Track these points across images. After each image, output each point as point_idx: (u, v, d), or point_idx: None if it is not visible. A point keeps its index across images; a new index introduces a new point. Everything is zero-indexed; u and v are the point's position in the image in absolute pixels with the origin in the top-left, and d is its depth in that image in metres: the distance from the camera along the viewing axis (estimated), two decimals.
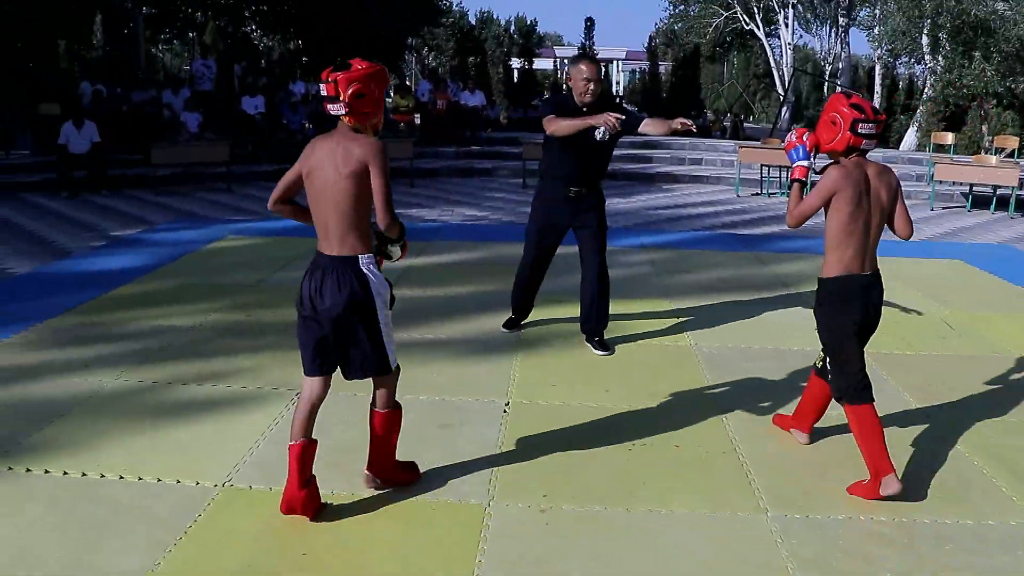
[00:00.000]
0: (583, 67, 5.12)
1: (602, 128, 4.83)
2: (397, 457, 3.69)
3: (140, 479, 3.68)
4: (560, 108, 5.13)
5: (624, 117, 4.83)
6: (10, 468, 3.74)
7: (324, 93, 3.23)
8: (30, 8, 16.89)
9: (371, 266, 3.29)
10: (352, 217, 3.24)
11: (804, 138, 3.85)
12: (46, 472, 3.72)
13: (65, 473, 3.72)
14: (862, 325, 3.74)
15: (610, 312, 5.58)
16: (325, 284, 3.27)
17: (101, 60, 23.50)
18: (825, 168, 3.69)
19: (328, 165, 3.25)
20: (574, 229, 5.43)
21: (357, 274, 3.26)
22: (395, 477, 3.67)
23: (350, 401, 4.47)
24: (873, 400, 3.71)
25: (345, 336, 3.32)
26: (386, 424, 3.54)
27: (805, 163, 3.85)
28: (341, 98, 3.20)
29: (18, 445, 3.96)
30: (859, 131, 3.57)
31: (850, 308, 3.70)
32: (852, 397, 3.70)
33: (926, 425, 4.49)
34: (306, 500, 3.35)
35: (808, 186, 3.89)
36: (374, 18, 20.47)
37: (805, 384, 4.25)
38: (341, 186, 3.22)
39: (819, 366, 3.99)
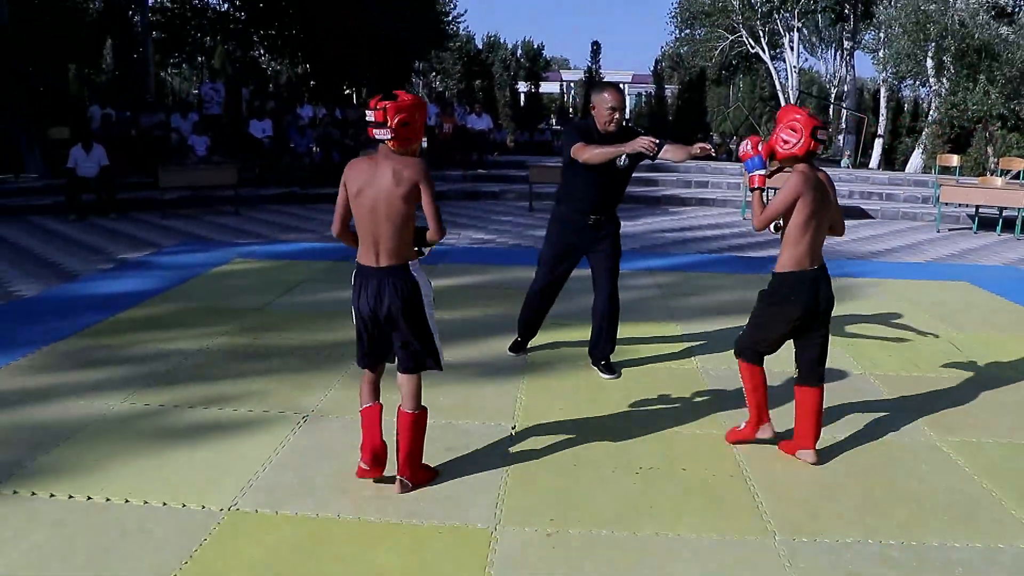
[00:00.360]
0: (607, 96, 5.06)
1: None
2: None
3: (146, 503, 3.68)
4: (586, 135, 5.06)
5: (660, 142, 4.71)
6: (15, 492, 3.74)
7: (372, 119, 3.57)
8: (42, 33, 17.07)
9: (418, 270, 3.71)
10: (403, 231, 3.63)
11: (759, 147, 4.09)
12: (51, 496, 3.72)
13: (70, 497, 3.71)
14: (804, 316, 4.12)
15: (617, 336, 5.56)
16: (383, 291, 3.64)
17: (111, 84, 23.73)
18: (774, 173, 4.08)
19: (378, 185, 3.59)
20: (588, 254, 5.40)
21: (409, 279, 3.67)
22: (423, 478, 3.90)
23: (356, 425, 4.48)
24: (763, 364, 4.30)
25: (400, 333, 3.71)
26: (417, 427, 3.81)
27: (763, 171, 4.11)
28: (388, 124, 3.54)
29: (24, 469, 3.96)
30: (818, 136, 3.92)
31: (796, 300, 4.08)
32: (751, 357, 4.27)
33: (934, 448, 4.46)
34: (384, 449, 3.82)
35: (766, 192, 4.13)
36: (382, 38, 20.60)
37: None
38: (396, 205, 3.58)
39: (798, 376, 4.27)
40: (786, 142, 3.98)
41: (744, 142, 4.17)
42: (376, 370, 3.90)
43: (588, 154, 4.91)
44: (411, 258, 3.70)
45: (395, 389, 3.88)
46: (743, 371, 4.34)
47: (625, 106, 5.10)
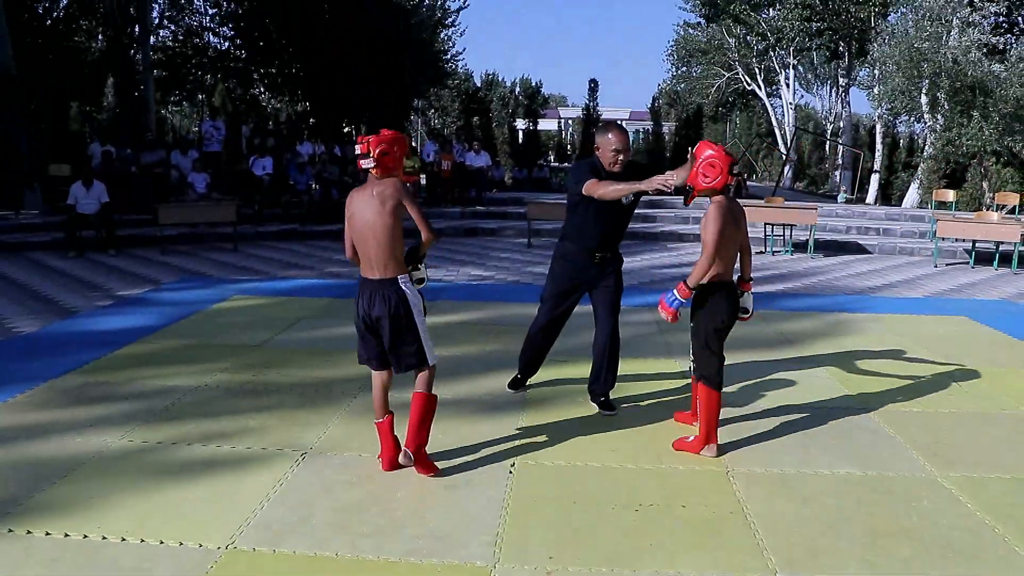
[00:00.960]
0: (612, 137, 5.06)
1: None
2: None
3: (142, 541, 3.65)
4: (595, 172, 5.07)
5: (674, 177, 4.69)
6: (10, 530, 3.71)
7: (358, 151, 4.25)
8: (46, 71, 17.22)
9: (407, 283, 4.27)
10: (390, 247, 4.20)
11: (675, 292, 4.60)
12: (47, 534, 3.69)
13: (66, 535, 3.69)
14: (727, 324, 4.66)
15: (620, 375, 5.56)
16: (374, 300, 4.23)
17: (112, 121, 23.88)
18: (689, 200, 4.58)
19: (367, 208, 4.21)
20: (591, 291, 5.40)
21: (398, 291, 4.24)
22: (421, 461, 4.39)
23: (355, 462, 4.46)
24: (722, 389, 4.73)
25: (392, 338, 4.26)
26: (425, 404, 4.37)
27: (678, 303, 4.62)
28: (372, 154, 4.21)
29: (20, 506, 3.94)
30: (733, 171, 4.48)
31: (721, 308, 4.60)
32: (713, 383, 4.66)
33: (935, 483, 4.44)
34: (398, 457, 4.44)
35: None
36: (381, 76, 20.76)
37: (815, 444, 4.22)
38: (380, 224, 4.17)
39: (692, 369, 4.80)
40: (706, 176, 4.50)
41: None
42: (381, 373, 4.41)
43: (603, 190, 4.90)
44: (402, 272, 4.26)
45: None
46: (710, 396, 4.69)
47: (629, 147, 5.11)
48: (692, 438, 4.83)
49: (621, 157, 5.05)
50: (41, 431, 4.89)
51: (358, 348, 4.45)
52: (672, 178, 4.64)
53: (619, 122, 5.70)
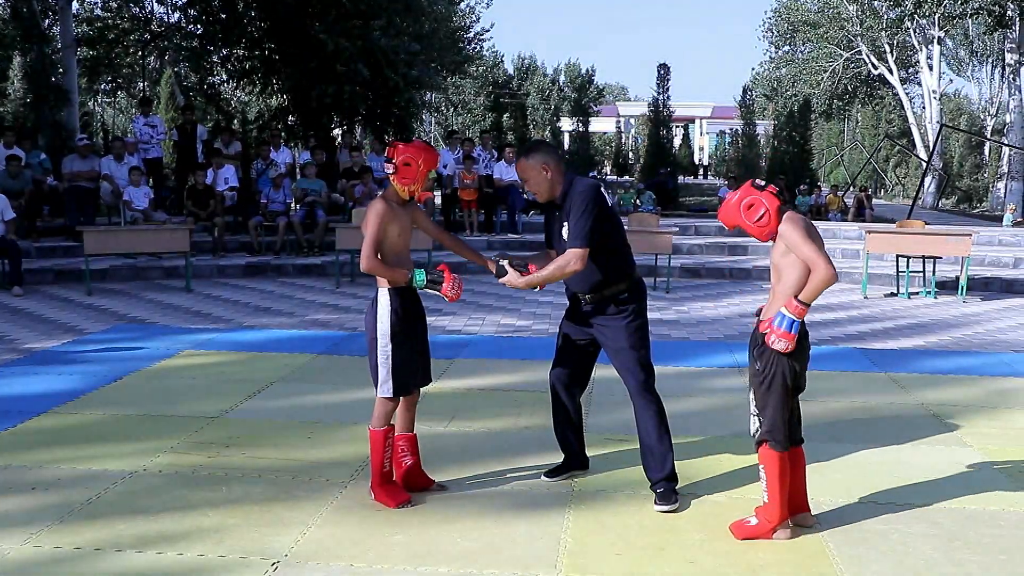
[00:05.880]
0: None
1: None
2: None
3: None
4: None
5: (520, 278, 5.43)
6: None
7: (385, 155, 5.32)
8: None
9: (384, 298, 5.29)
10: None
11: (786, 312, 4.81)
12: None
13: None
14: (806, 365, 5.08)
15: (679, 454, 5.60)
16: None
17: (19, 115, 24.12)
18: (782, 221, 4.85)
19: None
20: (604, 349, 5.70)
21: (372, 305, 5.35)
22: (375, 493, 5.42)
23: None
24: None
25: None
26: (370, 440, 5.40)
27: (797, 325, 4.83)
28: (394, 161, 5.20)
29: None
30: (783, 196, 4.93)
31: (804, 346, 4.98)
32: (783, 444, 4.97)
33: None
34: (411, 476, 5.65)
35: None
36: (379, 60, 20.93)
37: (973, 559, 4.13)
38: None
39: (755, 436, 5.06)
40: (760, 219, 4.89)
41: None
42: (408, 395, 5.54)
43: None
44: (381, 287, 5.30)
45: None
46: (782, 460, 4.99)
47: (527, 177, 5.51)
48: (754, 519, 5.06)
49: (528, 187, 5.62)
50: None
51: None
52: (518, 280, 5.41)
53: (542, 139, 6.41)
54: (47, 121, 20.45)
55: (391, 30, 21.38)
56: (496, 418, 7.13)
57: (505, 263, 5.41)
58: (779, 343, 4.79)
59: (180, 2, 24.42)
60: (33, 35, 21.58)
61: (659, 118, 36.32)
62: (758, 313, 5.10)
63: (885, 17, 35.63)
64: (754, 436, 5.05)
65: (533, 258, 5.62)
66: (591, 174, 38.58)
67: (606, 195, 5.49)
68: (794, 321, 4.76)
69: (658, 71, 36.88)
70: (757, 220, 4.88)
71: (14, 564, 4.62)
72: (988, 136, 37.37)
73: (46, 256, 14.63)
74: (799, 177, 30.76)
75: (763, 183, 5.00)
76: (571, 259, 5.27)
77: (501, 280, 5.43)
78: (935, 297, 14.17)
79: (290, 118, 24.02)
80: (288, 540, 4.91)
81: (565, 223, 5.36)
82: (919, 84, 36.74)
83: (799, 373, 4.96)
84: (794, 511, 5.16)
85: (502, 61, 54.68)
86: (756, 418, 5.02)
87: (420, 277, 5.26)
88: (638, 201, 24.66)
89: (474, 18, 38.76)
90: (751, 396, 5.06)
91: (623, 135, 62.28)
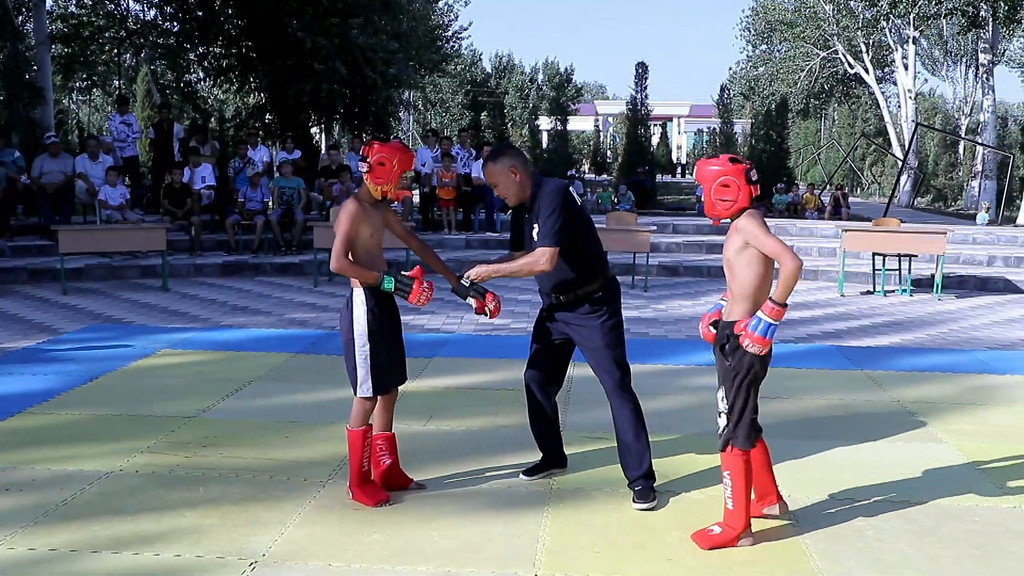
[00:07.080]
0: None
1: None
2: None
3: None
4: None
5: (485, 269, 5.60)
6: None
7: (360, 154, 5.36)
8: None
9: (359, 298, 5.33)
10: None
11: (763, 316, 4.78)
12: None
13: None
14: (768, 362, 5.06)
15: (656, 452, 5.62)
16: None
17: None
18: (739, 217, 4.88)
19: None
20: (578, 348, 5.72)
21: (348, 304, 5.39)
22: (354, 493, 5.44)
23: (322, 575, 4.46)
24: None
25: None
26: (348, 440, 5.44)
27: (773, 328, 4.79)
28: (368, 159, 5.26)
29: None
30: (753, 179, 4.85)
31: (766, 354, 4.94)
32: (745, 445, 4.96)
33: None
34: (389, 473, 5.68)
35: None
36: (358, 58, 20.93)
37: (947, 554, 4.16)
38: None
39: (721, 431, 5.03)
40: (724, 200, 4.86)
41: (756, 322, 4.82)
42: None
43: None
44: (356, 287, 5.34)
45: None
46: (745, 462, 4.98)
47: (496, 182, 5.55)
48: (717, 527, 5.00)
49: (498, 192, 5.65)
50: None
51: None
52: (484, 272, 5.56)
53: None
54: (21, 119, 20.30)
55: (369, 28, 21.42)
56: (474, 417, 7.14)
57: (466, 282, 5.53)
58: (753, 347, 4.79)
59: None
60: (6, 32, 21.35)
61: (637, 117, 36.49)
62: (714, 323, 5.21)
63: (861, 17, 35.82)
64: (721, 435, 5.03)
65: (496, 262, 5.71)
66: (569, 173, 38.65)
67: (575, 195, 5.51)
68: (771, 325, 4.74)
69: (636, 70, 37.03)
70: (722, 199, 4.86)
71: None
72: (963, 135, 37.58)
73: (20, 255, 14.54)
74: (776, 175, 30.89)
75: (740, 158, 4.98)
76: (539, 257, 5.31)
77: (468, 275, 5.53)
78: (911, 295, 14.25)
79: (267, 116, 23.99)
80: (266, 540, 4.90)
81: (535, 224, 5.38)
82: (895, 83, 36.94)
83: (766, 367, 5.00)
84: (762, 496, 5.23)
85: (480, 59, 54.71)
86: (724, 416, 5.01)
87: (388, 284, 5.29)
88: (616, 199, 24.71)
89: (452, 16, 38.80)
90: (719, 395, 5.06)
91: (601, 133, 62.42)
